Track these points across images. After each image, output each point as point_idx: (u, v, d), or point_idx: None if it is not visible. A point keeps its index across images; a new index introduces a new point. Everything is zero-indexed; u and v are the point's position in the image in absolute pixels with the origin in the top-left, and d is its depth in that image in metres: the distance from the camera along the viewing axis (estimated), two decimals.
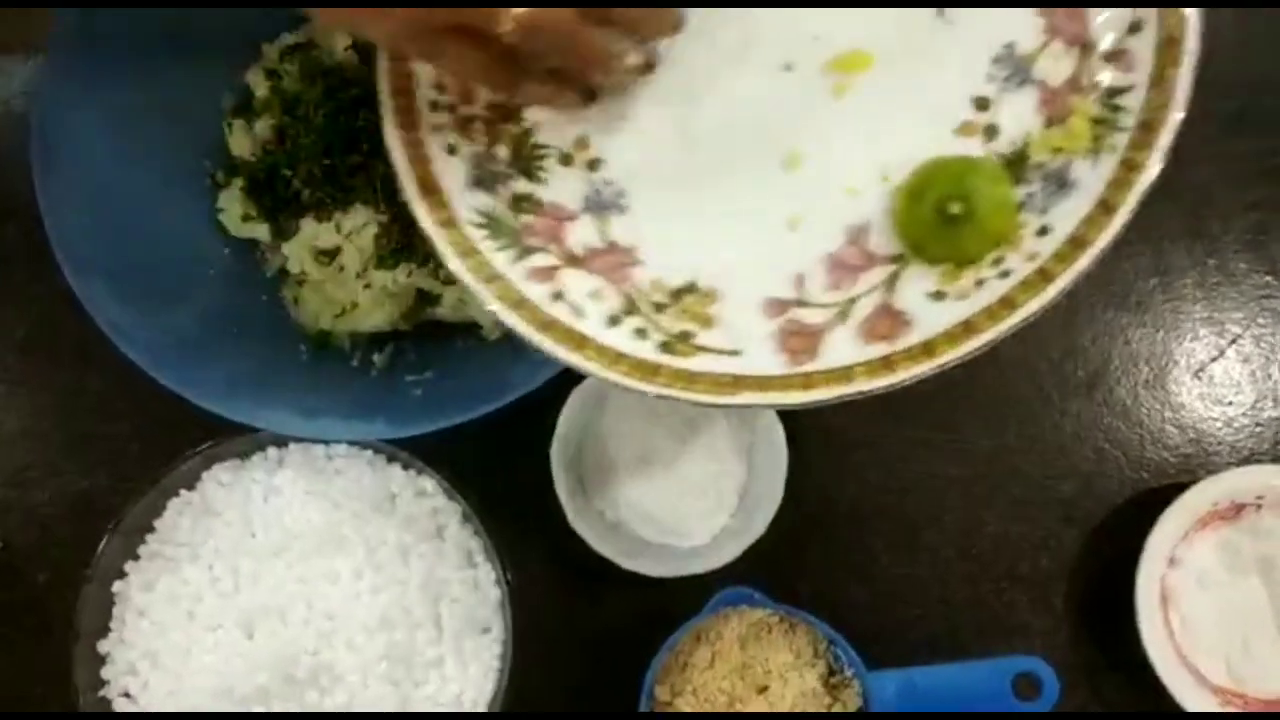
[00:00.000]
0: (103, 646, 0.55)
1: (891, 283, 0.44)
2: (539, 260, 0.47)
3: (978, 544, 0.63)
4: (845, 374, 0.42)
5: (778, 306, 0.45)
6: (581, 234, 0.48)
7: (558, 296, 0.46)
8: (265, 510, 0.56)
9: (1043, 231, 0.42)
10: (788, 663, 0.54)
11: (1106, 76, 0.43)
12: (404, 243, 0.57)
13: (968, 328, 0.41)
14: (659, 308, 0.46)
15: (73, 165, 0.56)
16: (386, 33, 0.42)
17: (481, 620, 0.55)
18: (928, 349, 0.41)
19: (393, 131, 0.48)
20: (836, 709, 0.54)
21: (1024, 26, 0.45)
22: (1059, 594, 0.62)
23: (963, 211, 0.42)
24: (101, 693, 0.55)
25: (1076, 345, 0.64)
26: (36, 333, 0.66)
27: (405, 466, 0.57)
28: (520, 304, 0.45)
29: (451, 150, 0.48)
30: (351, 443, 0.57)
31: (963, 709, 0.55)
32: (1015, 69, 0.45)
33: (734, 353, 0.44)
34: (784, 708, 0.53)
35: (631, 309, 0.46)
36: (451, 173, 0.48)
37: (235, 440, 0.57)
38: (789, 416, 0.58)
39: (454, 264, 0.46)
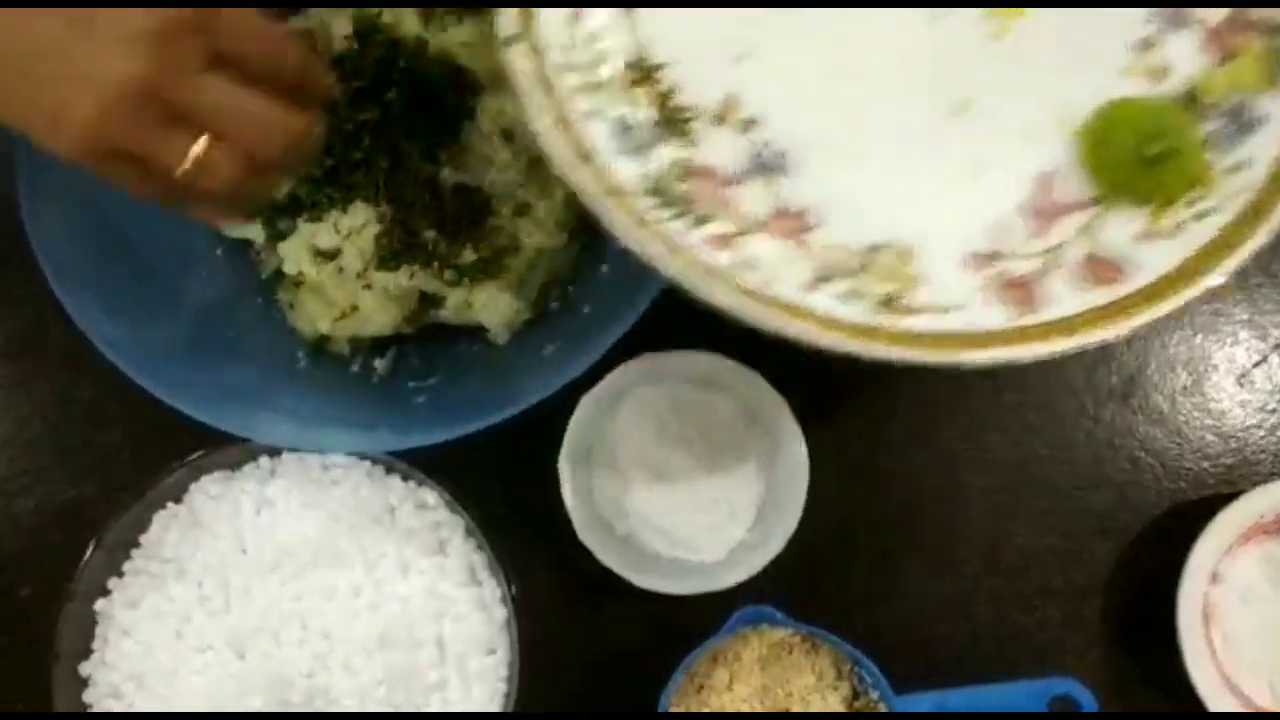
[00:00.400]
0: (84, 668, 0.54)
1: (1094, 228, 0.44)
2: (715, 228, 0.45)
3: (1006, 558, 0.60)
4: (1067, 325, 0.42)
5: (981, 260, 0.44)
6: (751, 198, 0.46)
7: (747, 264, 0.44)
8: (257, 523, 0.54)
9: (1235, 168, 0.43)
10: (810, 685, 0.53)
11: (1270, 11, 0.44)
12: (407, 243, 0.56)
13: (1183, 272, 0.41)
14: (856, 270, 0.44)
15: (58, 165, 0.54)
16: (64, 146, 0.42)
17: (486, 640, 0.54)
18: (1149, 294, 0.41)
19: (536, 97, 0.44)
20: None
21: None
22: (1093, 609, 0.60)
23: (1163, 151, 0.43)
24: None
25: (1110, 349, 0.62)
26: (27, 336, 0.64)
27: (405, 477, 0.56)
28: (711, 273, 0.43)
29: (593, 115, 0.45)
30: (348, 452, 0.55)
31: None
32: (1174, 11, 0.45)
33: (947, 309, 0.43)
34: None
35: (829, 273, 0.44)
36: (599, 139, 0.45)
37: (225, 450, 0.55)
38: (807, 425, 0.56)
39: (631, 235, 0.43)
